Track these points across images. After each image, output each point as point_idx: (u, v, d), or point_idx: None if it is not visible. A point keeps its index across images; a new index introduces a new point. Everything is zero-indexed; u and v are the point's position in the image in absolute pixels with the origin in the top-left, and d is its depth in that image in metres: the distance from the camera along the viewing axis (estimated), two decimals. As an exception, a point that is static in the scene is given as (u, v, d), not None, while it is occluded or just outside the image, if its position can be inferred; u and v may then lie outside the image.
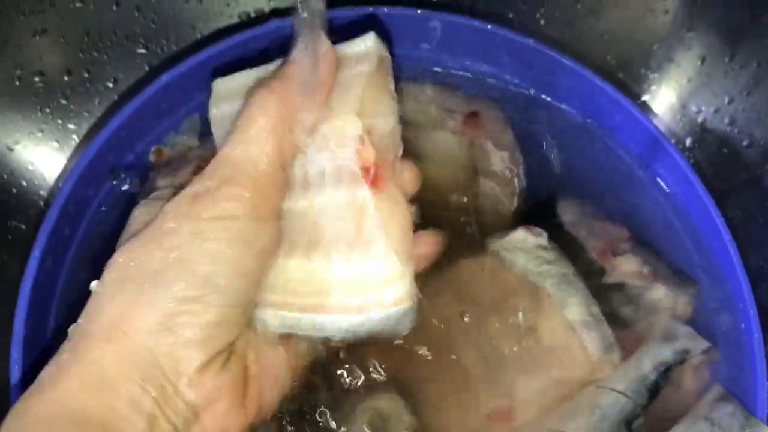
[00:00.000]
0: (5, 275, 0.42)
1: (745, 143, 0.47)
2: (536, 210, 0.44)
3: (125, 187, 0.42)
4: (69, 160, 0.46)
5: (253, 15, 0.47)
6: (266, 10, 0.47)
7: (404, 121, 0.44)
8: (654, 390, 0.37)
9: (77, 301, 0.29)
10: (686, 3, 0.48)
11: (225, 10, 0.47)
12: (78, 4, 0.45)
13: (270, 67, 0.33)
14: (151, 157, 0.42)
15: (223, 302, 0.28)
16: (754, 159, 0.47)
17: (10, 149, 0.45)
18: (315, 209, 0.31)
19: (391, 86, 0.33)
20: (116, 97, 0.46)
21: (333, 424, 0.36)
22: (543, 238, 0.41)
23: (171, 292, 0.28)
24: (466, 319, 0.38)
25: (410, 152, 0.42)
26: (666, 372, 0.38)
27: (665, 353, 0.38)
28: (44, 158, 0.46)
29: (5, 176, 0.45)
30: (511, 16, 0.48)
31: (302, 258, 0.31)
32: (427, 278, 0.38)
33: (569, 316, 0.38)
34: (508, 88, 0.46)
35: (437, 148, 0.44)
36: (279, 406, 0.33)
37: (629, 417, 0.36)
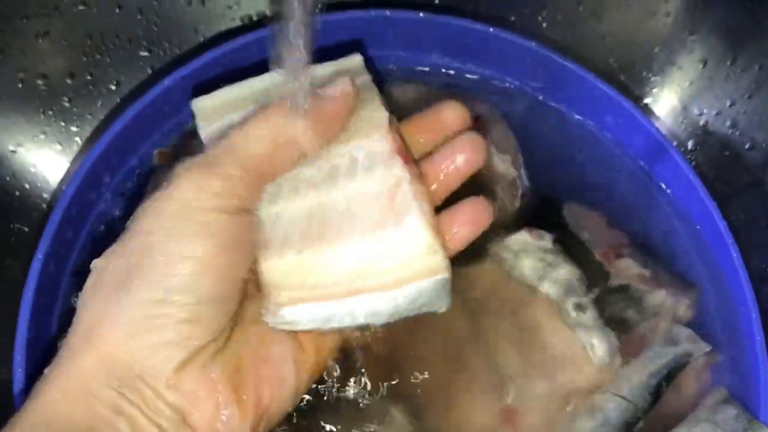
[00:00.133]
0: (8, 277, 0.42)
1: (746, 146, 0.47)
2: (538, 213, 0.44)
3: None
4: (72, 162, 0.46)
5: (255, 18, 0.47)
6: (268, 13, 0.47)
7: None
8: (656, 394, 0.37)
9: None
10: (688, 6, 0.48)
11: (227, 13, 0.47)
12: (81, 8, 0.45)
13: (250, 83, 0.33)
14: (155, 160, 0.42)
15: (193, 300, 0.28)
16: (756, 162, 0.47)
17: (13, 151, 0.45)
18: (346, 198, 0.31)
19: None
20: (119, 100, 0.46)
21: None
22: (546, 241, 0.41)
23: (138, 296, 0.28)
24: (469, 323, 0.38)
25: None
26: (668, 376, 0.38)
27: (667, 357, 0.38)
28: (47, 161, 0.46)
29: (8, 179, 0.45)
30: (513, 19, 0.48)
31: (333, 249, 0.30)
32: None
33: (571, 319, 0.38)
34: (511, 91, 0.46)
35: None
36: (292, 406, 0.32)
37: (631, 421, 0.37)
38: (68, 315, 0.39)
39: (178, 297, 0.28)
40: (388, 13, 0.43)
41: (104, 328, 0.28)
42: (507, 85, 0.47)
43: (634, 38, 0.49)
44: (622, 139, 0.46)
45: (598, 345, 0.38)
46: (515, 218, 0.43)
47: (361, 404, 0.37)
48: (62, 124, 0.46)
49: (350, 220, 0.30)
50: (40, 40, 0.44)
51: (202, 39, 0.47)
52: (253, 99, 0.33)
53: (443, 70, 0.46)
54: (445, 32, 0.44)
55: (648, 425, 0.37)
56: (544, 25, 0.49)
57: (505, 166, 0.44)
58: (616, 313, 0.41)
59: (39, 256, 0.37)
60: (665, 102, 0.49)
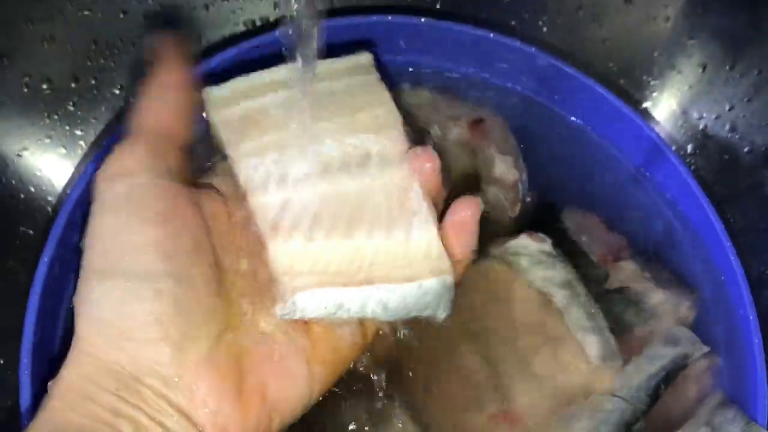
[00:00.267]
0: (13, 280, 0.42)
1: (745, 149, 0.47)
2: (539, 216, 0.44)
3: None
4: (76, 166, 0.46)
5: (258, 23, 0.47)
6: (272, 18, 0.47)
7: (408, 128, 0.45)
8: (654, 395, 0.38)
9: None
10: (687, 11, 0.48)
11: (231, 17, 0.47)
12: (86, 12, 0.45)
13: (263, 74, 0.34)
14: None
15: (152, 287, 0.27)
16: (755, 165, 0.47)
17: (19, 155, 0.45)
18: (358, 189, 0.31)
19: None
20: (123, 104, 0.46)
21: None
22: (546, 244, 0.41)
23: (101, 303, 0.28)
24: (469, 325, 0.39)
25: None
26: (666, 377, 0.38)
27: (665, 358, 0.39)
28: (52, 164, 0.46)
29: (13, 182, 0.45)
30: (513, 23, 0.48)
31: (343, 237, 0.30)
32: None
33: (571, 321, 0.39)
34: (512, 95, 0.47)
35: (441, 155, 0.44)
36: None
37: (629, 422, 0.37)
38: (73, 319, 0.39)
39: (132, 286, 0.27)
40: (389, 18, 0.43)
41: (89, 336, 0.28)
42: (508, 89, 0.47)
43: (634, 42, 0.49)
44: (621, 143, 0.46)
45: (597, 346, 0.38)
46: (515, 221, 0.44)
47: (360, 405, 0.37)
48: (67, 128, 0.46)
49: (360, 213, 0.31)
50: (45, 45, 0.44)
51: (205, 44, 0.47)
52: (265, 89, 0.33)
53: (445, 74, 0.47)
54: (446, 37, 0.44)
55: (647, 427, 0.38)
56: (545, 29, 0.49)
57: (506, 169, 0.44)
58: (616, 314, 0.41)
59: (45, 259, 0.37)
60: (665, 106, 0.49)
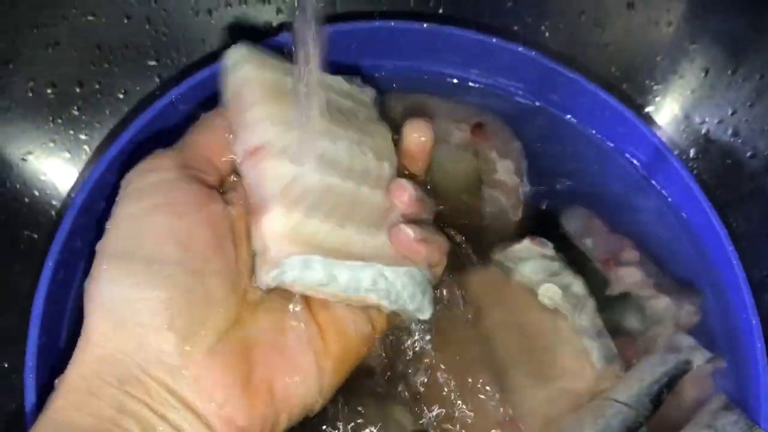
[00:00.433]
0: (17, 284, 0.43)
1: (748, 154, 0.47)
2: (541, 220, 0.45)
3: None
4: (80, 170, 0.46)
5: (262, 29, 0.48)
6: (274, 24, 0.47)
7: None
8: (657, 401, 0.37)
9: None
10: (690, 16, 0.48)
11: (234, 22, 0.47)
12: (90, 18, 0.45)
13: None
14: None
15: (162, 272, 0.28)
16: (758, 170, 0.47)
17: (23, 159, 0.45)
18: (354, 193, 0.33)
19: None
20: (127, 109, 0.47)
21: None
22: (548, 249, 0.41)
23: (113, 286, 0.28)
24: (472, 329, 0.39)
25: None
26: (669, 383, 0.38)
27: (668, 364, 0.39)
28: (56, 168, 0.46)
29: (18, 186, 0.45)
30: (516, 28, 0.49)
31: (337, 225, 0.32)
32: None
33: (573, 326, 0.39)
34: (514, 99, 0.47)
35: (443, 159, 0.45)
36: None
37: (632, 427, 0.37)
38: (77, 322, 0.39)
39: (144, 273, 0.28)
40: (392, 24, 0.44)
41: (94, 328, 0.28)
42: (510, 93, 0.47)
43: (636, 47, 0.49)
44: (623, 147, 0.46)
45: (599, 351, 0.38)
46: (518, 225, 0.44)
47: (361, 407, 0.37)
48: (71, 132, 0.46)
49: (352, 212, 0.32)
50: (49, 50, 0.45)
51: (209, 49, 0.47)
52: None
53: (447, 79, 0.47)
54: (448, 42, 0.45)
55: (650, 430, 0.38)
56: (547, 34, 0.49)
57: (507, 173, 0.44)
58: (618, 319, 0.41)
59: (49, 263, 0.38)
60: (667, 110, 0.49)
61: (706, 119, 0.48)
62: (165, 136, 0.42)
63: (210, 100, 0.42)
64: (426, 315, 0.35)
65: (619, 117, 0.44)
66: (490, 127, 0.45)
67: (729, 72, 0.48)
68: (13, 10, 0.43)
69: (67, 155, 0.46)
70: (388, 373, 0.38)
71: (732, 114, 0.48)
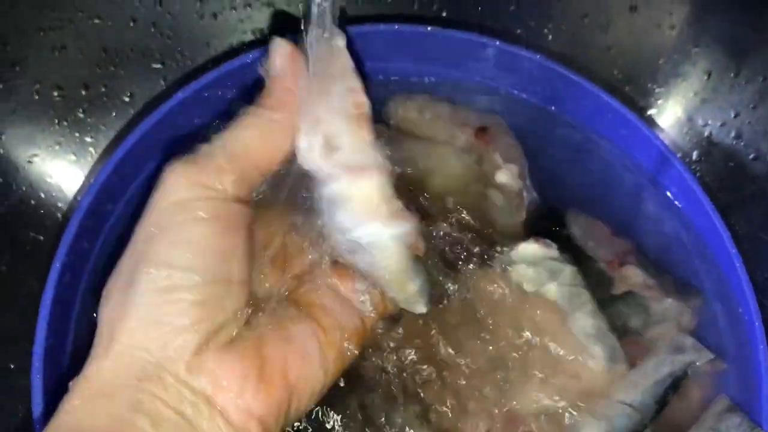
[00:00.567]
0: (23, 285, 0.43)
1: (751, 156, 0.47)
2: (544, 222, 0.45)
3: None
4: (86, 172, 0.47)
5: (266, 32, 0.48)
6: (279, 27, 0.48)
7: (415, 135, 0.45)
8: (661, 402, 0.38)
9: (95, 313, 0.30)
10: (692, 19, 0.48)
11: (239, 26, 0.47)
12: (96, 21, 0.45)
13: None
14: None
15: (198, 280, 0.28)
16: (760, 172, 0.47)
17: (29, 162, 0.45)
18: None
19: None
20: (132, 111, 0.47)
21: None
22: (552, 250, 0.41)
23: (144, 287, 0.28)
24: (474, 330, 0.39)
25: (421, 165, 0.43)
26: (673, 384, 0.38)
27: (672, 365, 0.39)
28: (62, 171, 0.46)
29: (24, 188, 0.45)
30: (518, 31, 0.49)
31: None
32: (436, 288, 0.39)
33: (577, 327, 0.39)
34: (517, 102, 0.47)
35: (447, 161, 0.45)
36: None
37: (636, 428, 0.37)
38: (84, 323, 0.40)
39: (183, 279, 0.28)
40: (396, 27, 0.44)
41: (118, 327, 0.28)
42: (513, 96, 0.47)
43: (639, 50, 0.49)
44: (626, 150, 0.46)
45: (603, 351, 0.38)
46: (521, 228, 0.44)
47: (363, 407, 0.38)
48: (77, 134, 0.46)
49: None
50: (56, 53, 0.45)
51: (214, 52, 0.47)
52: None
53: (450, 82, 0.47)
54: (451, 45, 0.45)
55: (654, 432, 0.38)
56: (550, 37, 0.49)
57: (511, 176, 0.45)
58: (621, 320, 0.41)
59: (57, 265, 0.38)
60: (670, 113, 0.50)
61: (709, 122, 0.49)
62: (171, 138, 0.43)
63: (216, 101, 0.43)
64: (419, 310, 0.35)
65: (621, 119, 0.45)
66: (494, 130, 0.46)
67: (732, 75, 0.48)
68: (20, 14, 0.44)
69: (73, 157, 0.46)
70: (388, 375, 0.38)
71: (735, 116, 0.48)
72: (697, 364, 0.39)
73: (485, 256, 0.41)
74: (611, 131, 0.46)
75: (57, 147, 0.46)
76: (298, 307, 0.33)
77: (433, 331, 0.38)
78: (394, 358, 0.38)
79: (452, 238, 0.41)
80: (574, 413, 0.37)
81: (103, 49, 0.46)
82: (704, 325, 0.42)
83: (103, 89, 0.46)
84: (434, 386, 0.38)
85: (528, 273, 0.40)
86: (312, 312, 0.33)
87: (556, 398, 0.38)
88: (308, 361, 0.32)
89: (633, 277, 0.42)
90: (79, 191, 0.46)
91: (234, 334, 0.30)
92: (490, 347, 0.38)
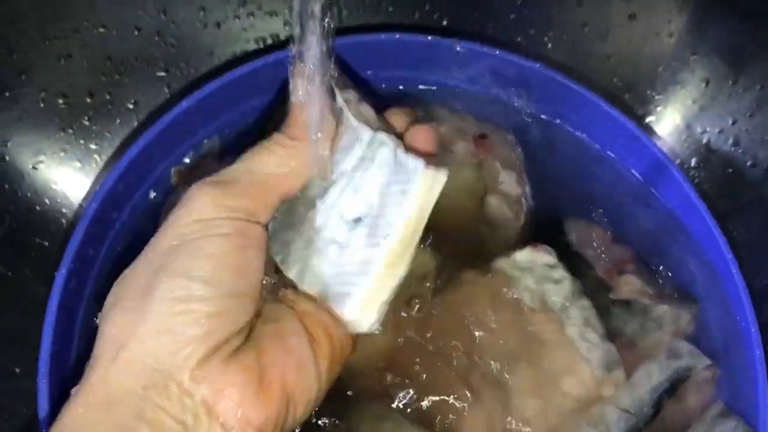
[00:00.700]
0: (29, 290, 0.43)
1: (749, 163, 0.48)
2: (543, 229, 0.45)
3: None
4: (91, 179, 0.47)
5: (269, 41, 0.48)
6: (281, 35, 0.48)
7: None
8: (657, 406, 0.38)
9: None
10: (691, 27, 0.48)
11: (242, 35, 0.48)
12: (101, 30, 0.46)
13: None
14: (173, 180, 0.44)
15: (215, 293, 0.29)
16: (758, 179, 0.47)
17: (35, 168, 0.46)
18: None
19: None
20: (136, 119, 0.47)
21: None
22: (550, 257, 0.41)
23: (161, 296, 0.29)
24: (472, 336, 0.39)
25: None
26: (669, 389, 0.39)
27: (668, 370, 0.39)
28: (67, 177, 0.47)
29: (29, 194, 0.46)
30: (519, 40, 0.49)
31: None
32: (434, 295, 0.39)
33: (575, 333, 0.39)
34: (517, 110, 0.47)
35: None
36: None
37: (633, 433, 0.37)
38: (89, 328, 0.40)
39: (200, 290, 0.29)
40: (397, 36, 0.44)
41: (130, 334, 0.29)
42: (513, 104, 0.47)
43: (638, 58, 0.50)
44: (625, 157, 0.46)
45: (600, 357, 0.38)
46: (520, 235, 0.44)
47: (361, 415, 0.38)
48: (82, 141, 0.47)
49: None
50: (61, 61, 0.45)
51: (217, 60, 0.48)
52: None
53: (450, 91, 0.47)
54: (452, 54, 0.45)
55: (651, 439, 0.38)
56: (550, 45, 0.49)
57: (510, 183, 0.45)
58: (619, 327, 0.41)
59: (62, 271, 0.38)
60: (668, 120, 0.50)
61: (707, 129, 0.49)
62: (175, 146, 0.43)
63: (220, 109, 0.44)
64: (370, 324, 0.35)
65: (620, 127, 0.45)
66: (493, 137, 0.46)
67: (730, 82, 0.48)
68: (26, 23, 0.44)
69: (78, 164, 0.47)
70: (386, 381, 0.38)
71: (733, 124, 0.48)
72: (694, 369, 0.39)
73: (484, 263, 0.41)
74: (610, 139, 0.46)
75: (62, 154, 0.47)
76: (292, 313, 0.34)
77: (428, 340, 0.38)
78: (388, 367, 0.38)
79: (452, 245, 0.41)
80: (571, 418, 0.37)
81: (108, 58, 0.46)
82: (701, 331, 0.42)
83: (107, 97, 0.47)
84: (430, 395, 0.38)
85: (526, 280, 0.41)
86: (304, 320, 0.33)
87: (554, 403, 0.38)
88: (304, 371, 0.32)
89: (631, 284, 0.42)
90: (84, 198, 0.47)
91: (238, 344, 0.30)
92: (487, 354, 0.38)
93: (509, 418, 0.37)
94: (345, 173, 0.34)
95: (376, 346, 0.38)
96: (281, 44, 0.48)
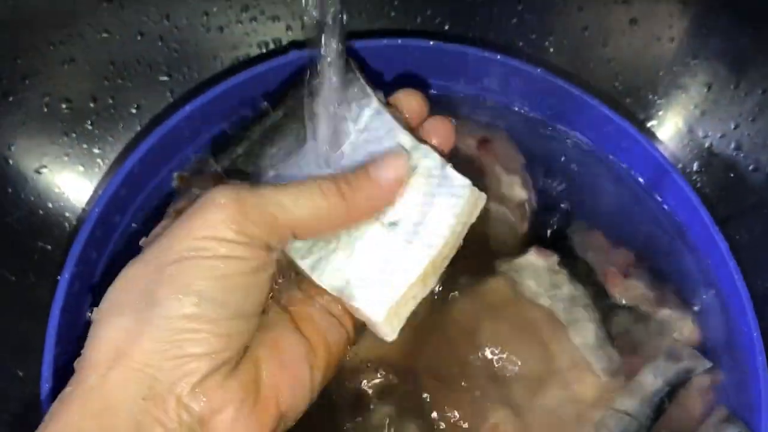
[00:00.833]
0: (32, 293, 0.43)
1: (750, 168, 0.48)
2: (545, 234, 0.45)
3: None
4: (94, 183, 0.47)
5: (272, 45, 0.48)
6: (284, 40, 0.48)
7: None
8: (658, 410, 0.38)
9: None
10: (692, 31, 0.49)
11: (245, 39, 0.48)
12: (104, 35, 0.46)
13: None
14: (174, 183, 0.44)
15: (225, 315, 0.29)
16: (760, 183, 0.47)
17: (38, 172, 0.46)
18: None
19: None
20: (139, 123, 0.47)
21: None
22: (553, 261, 0.41)
23: (171, 309, 0.28)
24: (475, 340, 0.39)
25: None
26: (670, 392, 0.39)
27: (669, 373, 0.39)
28: (70, 181, 0.47)
29: (33, 198, 0.46)
30: (520, 45, 0.49)
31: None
32: (438, 300, 0.39)
33: (577, 337, 0.39)
34: (519, 115, 0.47)
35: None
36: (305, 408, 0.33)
37: (634, 437, 0.37)
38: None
39: (210, 310, 0.28)
40: (399, 41, 0.44)
41: (133, 343, 0.28)
42: (515, 108, 0.48)
43: (639, 63, 0.50)
44: (626, 162, 0.47)
45: (602, 362, 0.39)
46: (523, 238, 0.44)
47: (365, 417, 0.38)
48: (85, 146, 0.47)
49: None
50: (65, 66, 0.45)
51: (220, 64, 0.48)
52: None
53: (453, 95, 0.47)
54: (454, 59, 0.45)
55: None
56: (551, 50, 0.49)
57: (513, 187, 0.45)
58: (621, 331, 0.41)
59: (66, 275, 0.39)
60: (670, 125, 0.50)
61: (709, 133, 0.49)
62: (178, 150, 0.43)
63: (222, 114, 0.44)
64: (390, 334, 0.34)
65: (622, 132, 0.45)
66: (496, 142, 0.46)
67: (731, 87, 0.48)
68: (31, 29, 0.44)
69: (81, 168, 0.47)
70: (386, 384, 0.38)
71: (734, 128, 0.48)
72: (695, 372, 0.39)
73: (487, 267, 0.42)
74: (612, 143, 0.46)
75: (65, 158, 0.47)
76: (288, 319, 0.33)
77: (429, 344, 0.38)
78: (391, 371, 0.38)
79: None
80: (573, 422, 0.37)
81: (111, 63, 0.46)
82: (703, 336, 0.42)
83: (110, 101, 0.47)
84: (432, 395, 0.38)
85: (529, 283, 0.41)
86: (302, 327, 0.33)
87: (556, 407, 0.38)
88: (299, 385, 0.32)
89: (633, 288, 0.42)
90: (87, 202, 0.47)
91: (239, 359, 0.30)
92: (491, 357, 0.38)
93: (511, 421, 0.37)
94: None
95: (377, 349, 0.38)
96: (283, 49, 0.48)
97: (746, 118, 0.48)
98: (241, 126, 0.38)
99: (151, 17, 0.46)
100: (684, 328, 0.41)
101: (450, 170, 0.34)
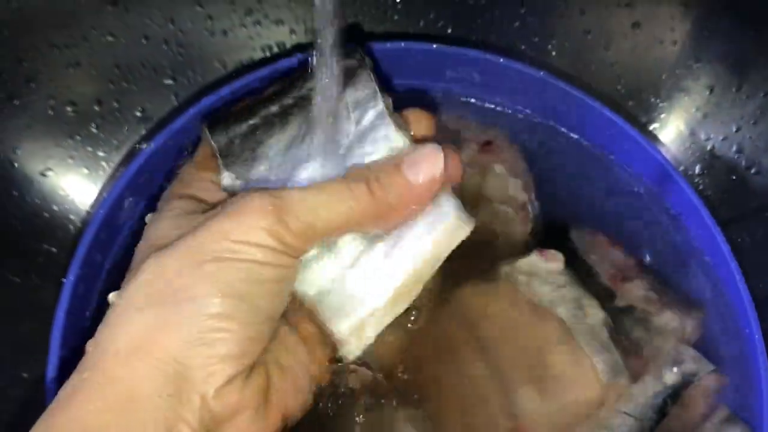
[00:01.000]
0: (37, 296, 0.44)
1: (752, 171, 0.48)
2: (548, 236, 0.45)
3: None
4: (98, 186, 0.47)
5: (275, 49, 0.49)
6: (287, 44, 0.48)
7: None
8: (661, 412, 0.38)
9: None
10: (694, 34, 0.49)
11: (248, 42, 0.48)
12: (109, 38, 0.46)
13: None
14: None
15: (259, 320, 0.29)
16: (762, 186, 0.47)
17: (43, 175, 0.46)
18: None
19: None
20: (144, 127, 0.48)
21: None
22: (555, 263, 0.41)
23: (206, 307, 0.28)
24: (478, 342, 0.39)
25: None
26: (673, 394, 0.39)
27: (672, 376, 0.39)
28: (75, 184, 0.47)
29: (37, 201, 0.46)
30: (523, 48, 0.49)
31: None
32: (440, 302, 0.39)
33: (580, 340, 0.39)
34: (521, 117, 0.47)
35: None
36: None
37: (637, 438, 0.37)
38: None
39: (245, 315, 0.29)
40: (402, 44, 0.44)
41: (161, 336, 0.28)
42: (517, 111, 0.48)
43: (642, 66, 0.50)
44: (629, 164, 0.47)
45: (605, 364, 0.38)
46: (526, 241, 0.44)
47: (368, 420, 0.38)
48: (90, 149, 0.47)
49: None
50: (70, 69, 0.46)
51: (224, 68, 0.48)
52: None
53: (455, 98, 0.47)
54: (456, 62, 0.45)
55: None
56: (554, 53, 0.50)
57: (515, 190, 0.45)
58: (623, 333, 0.41)
59: (70, 277, 0.39)
60: (672, 128, 0.50)
61: (711, 136, 0.49)
62: (183, 154, 0.43)
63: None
64: (354, 350, 0.34)
65: (624, 135, 0.45)
66: (499, 144, 0.46)
67: (733, 90, 0.48)
68: (36, 32, 0.45)
69: (86, 171, 0.47)
70: (386, 386, 0.38)
71: (736, 131, 0.48)
72: (698, 375, 0.40)
73: (490, 269, 0.42)
74: (614, 146, 0.46)
75: (70, 161, 0.47)
76: (288, 325, 0.33)
77: (431, 345, 0.39)
78: (388, 373, 0.38)
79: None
80: (576, 423, 0.38)
81: (116, 66, 0.47)
82: (705, 337, 0.42)
83: (115, 105, 0.47)
84: (434, 399, 0.38)
85: (531, 285, 0.41)
86: (301, 329, 0.33)
87: (559, 409, 0.38)
88: (301, 394, 0.32)
89: (635, 290, 0.42)
90: (92, 205, 0.47)
91: (253, 365, 0.30)
92: (493, 359, 0.38)
93: (514, 423, 0.37)
94: None
95: (377, 351, 0.38)
96: (287, 52, 0.48)
97: (748, 121, 0.48)
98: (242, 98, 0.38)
99: (155, 21, 0.47)
100: (686, 329, 0.41)
101: (443, 193, 0.33)
